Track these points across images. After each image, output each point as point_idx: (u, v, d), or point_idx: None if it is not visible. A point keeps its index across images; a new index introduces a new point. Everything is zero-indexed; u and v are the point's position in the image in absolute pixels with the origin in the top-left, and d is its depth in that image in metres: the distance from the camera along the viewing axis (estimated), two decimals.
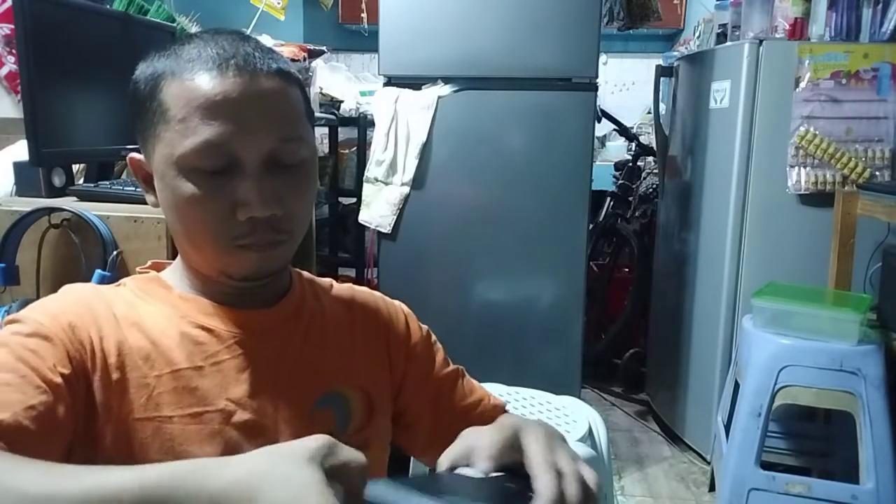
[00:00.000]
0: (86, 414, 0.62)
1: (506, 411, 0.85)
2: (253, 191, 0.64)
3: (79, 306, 0.66)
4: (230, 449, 0.65)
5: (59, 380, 0.58)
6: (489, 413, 0.83)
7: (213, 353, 0.68)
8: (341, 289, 0.84)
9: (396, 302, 0.86)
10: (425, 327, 0.87)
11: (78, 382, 0.61)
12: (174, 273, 0.74)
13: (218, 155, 0.63)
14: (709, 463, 2.34)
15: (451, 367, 0.86)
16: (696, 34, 3.13)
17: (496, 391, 1.65)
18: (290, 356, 0.72)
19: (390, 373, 0.81)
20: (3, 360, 0.57)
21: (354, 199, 2.57)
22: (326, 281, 0.84)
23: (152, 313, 0.69)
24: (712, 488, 2.24)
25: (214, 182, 0.64)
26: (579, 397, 1.87)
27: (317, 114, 2.38)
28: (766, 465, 1.85)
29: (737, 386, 1.97)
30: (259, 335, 0.71)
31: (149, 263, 0.79)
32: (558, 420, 1.51)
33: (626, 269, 3.33)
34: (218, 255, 0.67)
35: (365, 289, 0.86)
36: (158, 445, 0.63)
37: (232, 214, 0.64)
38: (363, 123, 2.62)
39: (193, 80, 0.63)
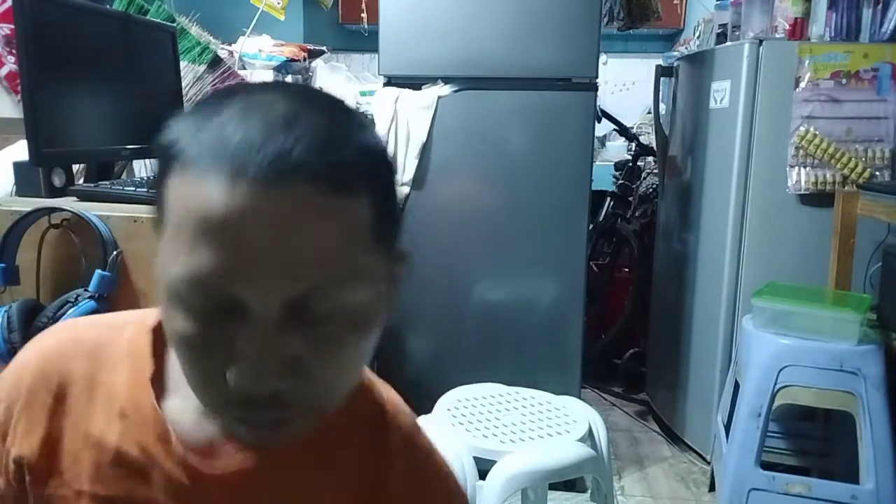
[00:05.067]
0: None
1: None
2: (250, 349, 0.44)
3: (18, 387, 0.57)
4: None
5: None
6: None
7: (134, 492, 0.54)
8: (436, 456, 0.62)
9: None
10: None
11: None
12: None
13: (209, 293, 0.43)
14: (709, 463, 2.34)
15: None
16: (696, 34, 3.13)
17: (496, 391, 1.65)
18: None
19: None
20: None
21: None
22: (408, 422, 0.62)
23: (110, 401, 0.56)
24: (712, 488, 2.24)
25: (210, 326, 0.45)
26: (579, 397, 1.87)
27: None
28: (766, 465, 1.85)
29: (737, 386, 1.96)
30: (224, 488, 0.54)
31: None
32: (558, 420, 1.51)
33: (626, 269, 3.33)
34: (199, 398, 0.50)
35: (451, 476, 0.64)
36: None
37: (225, 370, 0.45)
38: None
39: (196, 179, 0.43)
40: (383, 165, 0.48)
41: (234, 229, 0.42)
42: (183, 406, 0.56)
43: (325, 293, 0.44)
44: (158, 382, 0.57)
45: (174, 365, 0.56)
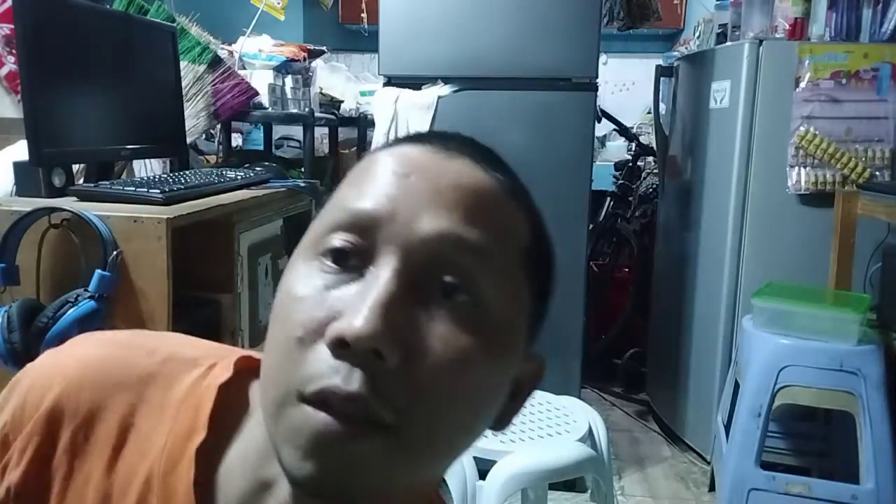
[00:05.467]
0: None
1: None
2: (365, 296, 0.38)
3: (37, 404, 0.48)
4: None
5: None
6: None
7: None
8: None
9: None
10: None
11: None
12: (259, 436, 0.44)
13: (349, 230, 0.40)
14: (709, 463, 2.34)
15: None
16: (696, 34, 3.13)
17: None
18: None
19: None
20: None
21: None
22: None
23: (140, 454, 0.46)
24: (712, 488, 2.24)
25: (330, 277, 0.40)
26: (579, 397, 1.87)
27: (317, 114, 2.38)
28: (766, 465, 1.85)
29: (737, 386, 1.96)
30: None
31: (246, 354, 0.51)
32: (558, 420, 1.51)
33: (626, 269, 3.33)
34: (269, 409, 0.40)
35: None
36: None
37: (321, 334, 0.38)
38: (363, 123, 2.62)
39: (390, 147, 0.45)
40: (544, 228, 0.49)
41: (401, 175, 0.41)
42: (223, 499, 0.45)
43: (469, 258, 0.40)
44: (204, 458, 0.45)
45: (233, 442, 0.46)
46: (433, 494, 0.51)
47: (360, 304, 0.37)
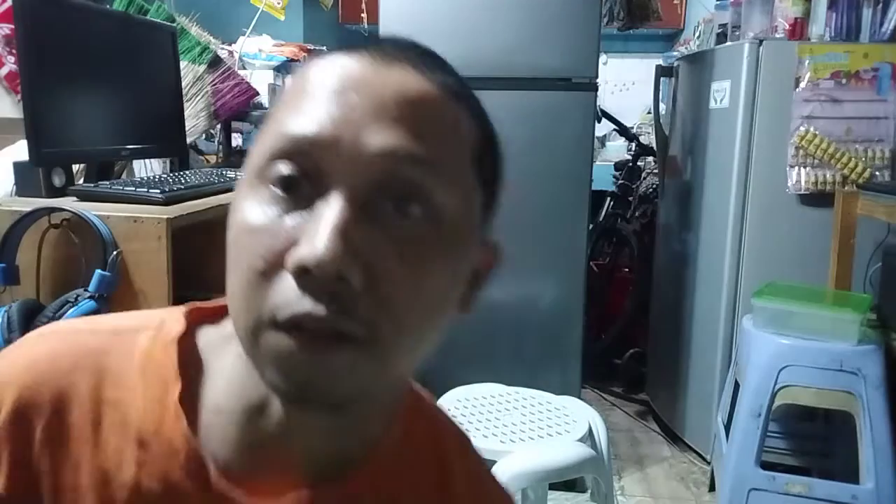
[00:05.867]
0: None
1: None
2: (320, 222, 0.38)
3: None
4: None
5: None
6: None
7: None
8: (476, 461, 0.58)
9: None
10: None
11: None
12: (236, 365, 0.47)
13: (293, 158, 0.40)
14: (709, 463, 2.34)
15: None
16: (696, 34, 3.13)
17: (496, 391, 1.65)
18: None
19: None
20: None
21: None
22: (471, 462, 0.57)
23: (123, 426, 0.46)
24: (712, 488, 2.24)
25: (279, 207, 0.40)
26: (579, 397, 1.87)
27: None
28: (766, 465, 1.85)
29: (737, 386, 1.97)
30: None
31: (214, 302, 0.52)
32: (558, 420, 1.51)
33: (626, 269, 3.33)
34: (247, 337, 0.41)
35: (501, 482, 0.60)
36: None
37: (281, 261, 0.39)
38: None
39: (324, 60, 0.43)
40: (490, 125, 0.48)
41: (342, 91, 0.41)
42: (220, 434, 0.46)
43: (420, 172, 0.40)
44: (186, 405, 0.47)
45: (206, 385, 0.48)
46: (410, 384, 0.54)
47: (316, 231, 0.38)
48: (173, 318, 0.50)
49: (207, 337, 0.50)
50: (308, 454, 0.46)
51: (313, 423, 0.45)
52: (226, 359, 0.48)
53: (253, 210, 0.41)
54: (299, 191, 0.40)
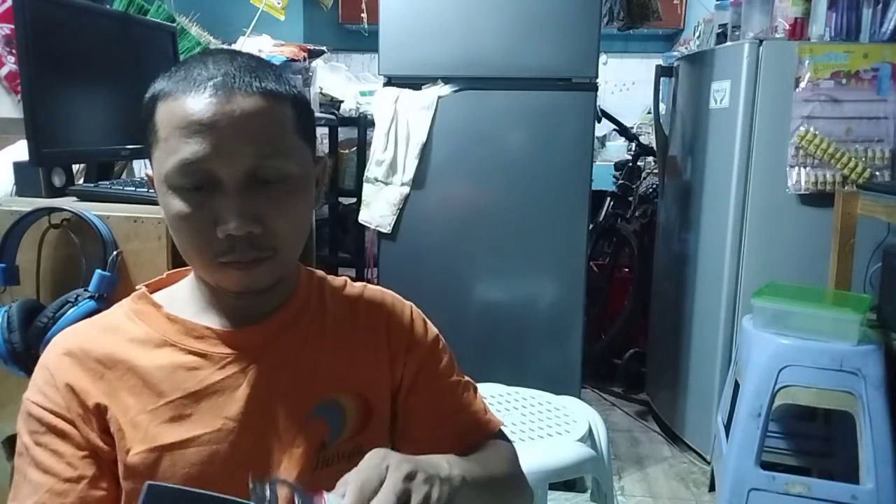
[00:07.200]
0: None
1: (499, 432, 0.89)
2: (229, 209, 0.66)
3: (65, 373, 0.70)
4: (230, 467, 0.69)
5: (85, 467, 0.68)
6: (475, 430, 0.85)
7: (206, 377, 0.71)
8: (353, 288, 0.85)
9: (408, 302, 0.88)
10: (435, 331, 0.88)
11: (96, 449, 0.69)
12: (187, 285, 0.78)
13: (195, 173, 0.66)
14: (709, 463, 2.34)
15: (458, 376, 0.86)
16: (696, 34, 3.13)
17: (496, 391, 1.65)
18: (285, 368, 0.74)
19: (390, 369, 0.81)
20: (38, 481, 0.67)
21: (354, 199, 2.57)
22: (340, 280, 0.85)
23: (141, 342, 0.72)
24: (712, 488, 2.24)
25: (197, 199, 0.67)
26: (579, 397, 1.87)
27: (317, 114, 2.38)
28: (766, 465, 1.85)
29: (737, 386, 1.97)
30: (253, 351, 0.73)
31: (164, 275, 0.82)
32: (558, 420, 1.51)
33: (626, 269, 3.33)
34: (206, 271, 0.71)
35: (378, 287, 0.87)
36: (161, 474, 0.68)
37: (214, 232, 0.67)
38: (363, 123, 2.62)
39: (177, 101, 0.66)
40: (295, 89, 0.72)
41: (205, 124, 0.65)
42: (191, 313, 0.75)
43: (270, 163, 0.67)
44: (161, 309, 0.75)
45: (168, 294, 0.78)
46: (299, 264, 0.82)
47: (229, 213, 0.66)
48: (132, 294, 0.78)
49: (159, 289, 0.79)
50: (249, 312, 0.75)
51: (251, 298, 0.74)
52: (177, 292, 0.78)
53: (182, 205, 0.67)
54: (207, 190, 0.67)
